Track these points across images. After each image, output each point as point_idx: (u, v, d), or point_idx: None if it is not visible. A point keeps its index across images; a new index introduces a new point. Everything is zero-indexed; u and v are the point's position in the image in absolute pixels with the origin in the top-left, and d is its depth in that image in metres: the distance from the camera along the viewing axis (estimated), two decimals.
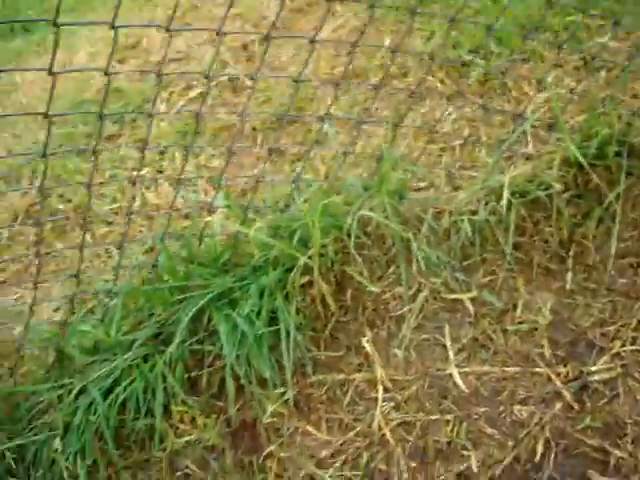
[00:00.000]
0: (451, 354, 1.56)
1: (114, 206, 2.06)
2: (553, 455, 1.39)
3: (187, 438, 1.61)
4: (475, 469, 1.43)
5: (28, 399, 1.68)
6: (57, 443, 1.62)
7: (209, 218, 1.60)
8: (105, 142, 2.23)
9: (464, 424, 1.47)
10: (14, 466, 1.60)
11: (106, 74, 1.28)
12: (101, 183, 2.07)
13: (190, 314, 1.58)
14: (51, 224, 2.08)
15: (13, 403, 1.70)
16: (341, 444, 1.53)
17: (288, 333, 1.55)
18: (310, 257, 1.55)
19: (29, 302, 1.70)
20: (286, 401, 1.58)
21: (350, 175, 1.67)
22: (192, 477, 1.59)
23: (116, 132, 2.25)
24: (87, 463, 1.60)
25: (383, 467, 1.48)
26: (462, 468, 1.44)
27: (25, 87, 2.56)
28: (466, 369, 1.54)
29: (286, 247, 1.56)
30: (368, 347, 1.61)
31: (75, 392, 1.63)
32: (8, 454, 1.62)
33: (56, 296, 1.85)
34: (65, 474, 1.60)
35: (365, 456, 1.50)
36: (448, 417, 1.49)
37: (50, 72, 1.21)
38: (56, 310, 1.87)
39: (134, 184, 1.47)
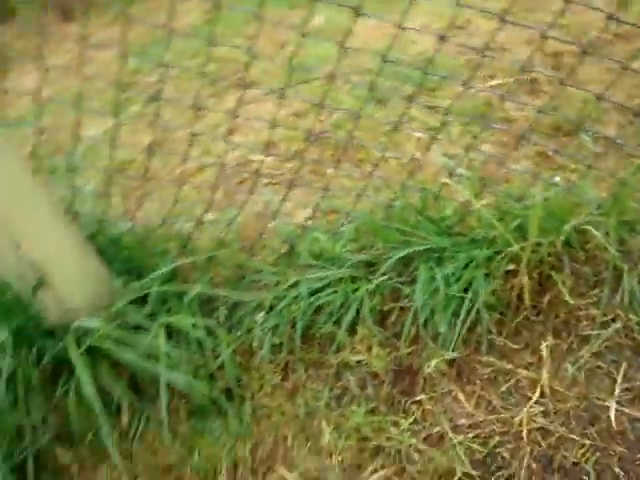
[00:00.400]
0: (617, 390, 1.58)
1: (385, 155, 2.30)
2: None
3: (359, 358, 1.82)
4: None
5: (252, 275, 1.99)
6: (260, 316, 1.92)
7: (448, 181, 1.76)
8: (401, 99, 2.47)
9: (597, 454, 1.50)
10: (223, 318, 1.93)
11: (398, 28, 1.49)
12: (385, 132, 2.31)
13: (401, 255, 1.76)
14: (333, 151, 2.39)
15: (241, 274, 2.03)
16: (481, 421, 1.64)
17: (472, 305, 1.67)
18: (523, 249, 1.65)
19: (288, 204, 2.02)
20: (451, 363, 1.72)
21: (593, 191, 1.72)
22: (349, 391, 1.79)
23: (413, 93, 2.48)
24: (274, 341, 1.88)
25: (506, 456, 1.56)
26: None
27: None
28: (624, 409, 1.55)
29: (505, 232, 1.67)
30: (545, 352, 1.68)
31: (290, 283, 1.91)
32: (222, 308, 1.95)
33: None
34: (255, 342, 1.90)
35: (496, 440, 1.59)
36: (586, 442, 1.53)
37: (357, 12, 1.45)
38: (308, 218, 2.17)
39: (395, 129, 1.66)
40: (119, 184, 2.47)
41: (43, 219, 1.74)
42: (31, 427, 1.87)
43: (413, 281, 1.77)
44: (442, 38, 1.69)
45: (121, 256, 1.97)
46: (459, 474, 1.54)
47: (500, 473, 1.54)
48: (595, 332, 1.65)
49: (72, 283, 1.83)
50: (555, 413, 1.59)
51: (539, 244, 1.65)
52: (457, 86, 2.37)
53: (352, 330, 1.85)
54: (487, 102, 2.28)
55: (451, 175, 1.76)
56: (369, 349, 1.82)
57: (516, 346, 1.72)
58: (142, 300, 1.92)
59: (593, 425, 1.55)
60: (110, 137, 1.99)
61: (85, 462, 1.91)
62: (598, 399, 1.58)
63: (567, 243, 1.66)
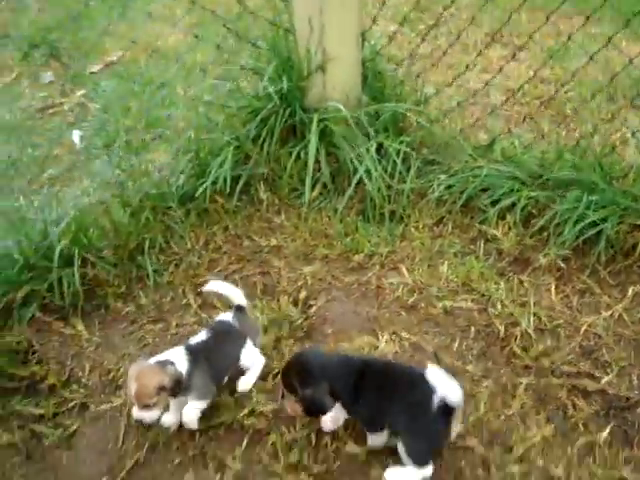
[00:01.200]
0: None
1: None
2: None
3: (496, 234, 2.34)
4: None
5: (453, 150, 2.58)
6: (443, 176, 2.49)
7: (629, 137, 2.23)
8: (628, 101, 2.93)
9: (624, 364, 1.93)
10: (416, 167, 2.52)
11: None
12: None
13: (565, 178, 2.27)
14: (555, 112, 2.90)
15: (448, 143, 2.61)
16: (557, 307, 2.11)
17: (597, 232, 2.16)
18: None
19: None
20: (558, 267, 2.21)
21: None
22: (475, 253, 2.32)
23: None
24: (442, 195, 2.45)
25: (562, 335, 2.02)
26: None
27: None
28: None
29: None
30: (630, 292, 2.12)
31: (476, 164, 2.46)
32: (419, 160, 2.54)
33: None
34: (429, 190, 2.48)
35: (559, 322, 2.05)
36: (622, 355, 1.95)
37: None
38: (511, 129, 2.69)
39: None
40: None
41: (348, 28, 2.41)
42: (255, 160, 2.56)
43: (565, 199, 2.26)
44: None
45: (374, 84, 2.60)
46: (521, 327, 2.05)
47: (549, 342, 2.02)
48: None
49: (338, 81, 2.49)
50: (613, 332, 2.04)
51: None
52: None
53: (502, 215, 2.37)
54: None
55: (633, 134, 2.23)
56: (506, 233, 2.34)
57: (611, 281, 2.18)
58: (374, 118, 2.55)
59: (635, 351, 1.99)
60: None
61: (273, 205, 2.58)
62: None
63: None
